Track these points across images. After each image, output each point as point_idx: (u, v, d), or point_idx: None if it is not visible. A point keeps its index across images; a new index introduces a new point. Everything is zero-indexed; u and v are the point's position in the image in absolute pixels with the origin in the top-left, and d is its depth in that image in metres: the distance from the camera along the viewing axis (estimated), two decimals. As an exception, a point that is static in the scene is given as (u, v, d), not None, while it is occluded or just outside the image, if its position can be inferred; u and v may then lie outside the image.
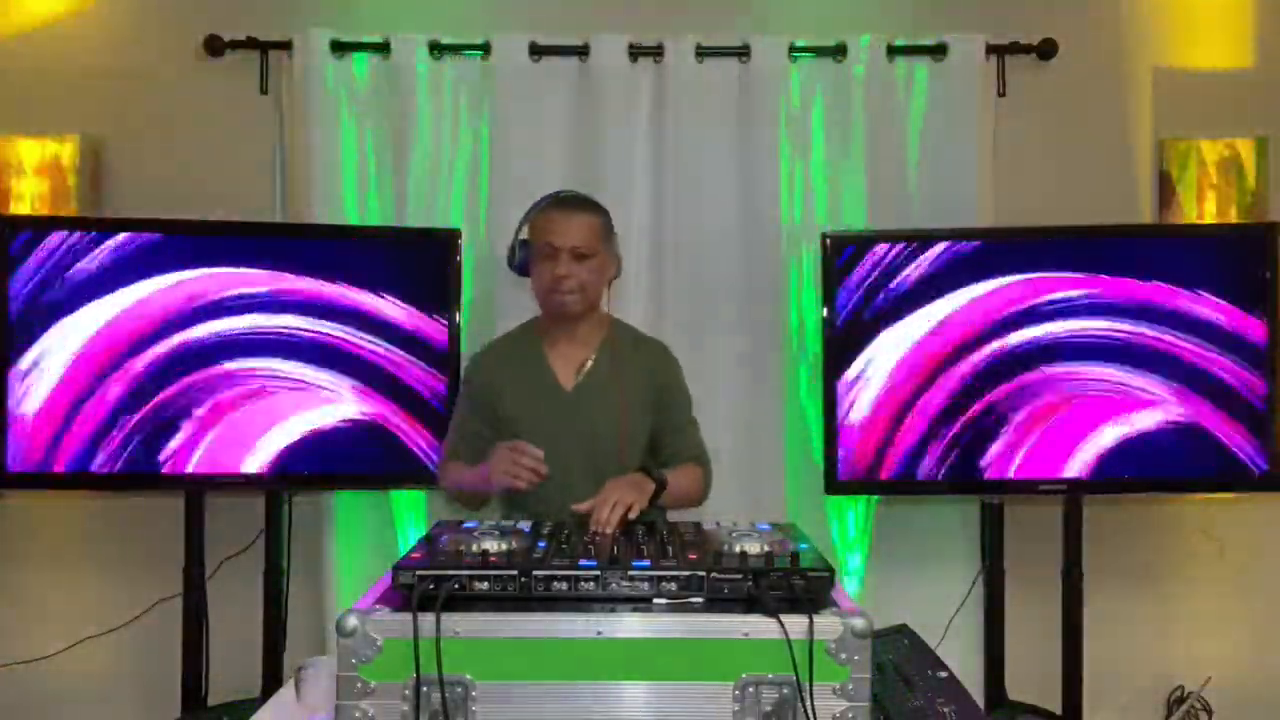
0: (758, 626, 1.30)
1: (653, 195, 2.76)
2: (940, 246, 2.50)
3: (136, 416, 2.43)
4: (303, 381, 2.47)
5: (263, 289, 2.47)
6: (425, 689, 1.28)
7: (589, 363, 2.14)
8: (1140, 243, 2.47)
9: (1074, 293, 2.47)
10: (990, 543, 2.68)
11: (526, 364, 2.16)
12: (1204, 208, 2.80)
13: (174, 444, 2.45)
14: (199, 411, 2.45)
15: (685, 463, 2.14)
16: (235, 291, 2.46)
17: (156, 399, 2.44)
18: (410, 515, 2.77)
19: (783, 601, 1.33)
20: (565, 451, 2.06)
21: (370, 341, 2.49)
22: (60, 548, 2.83)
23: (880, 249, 2.51)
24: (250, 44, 2.78)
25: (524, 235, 2.14)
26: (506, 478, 1.88)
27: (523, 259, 2.14)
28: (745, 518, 1.76)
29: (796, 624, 1.29)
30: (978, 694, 2.65)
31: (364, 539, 2.75)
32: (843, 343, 2.51)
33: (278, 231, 2.53)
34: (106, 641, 2.78)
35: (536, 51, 2.76)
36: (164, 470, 2.45)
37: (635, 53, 2.76)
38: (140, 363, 2.43)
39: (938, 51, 2.76)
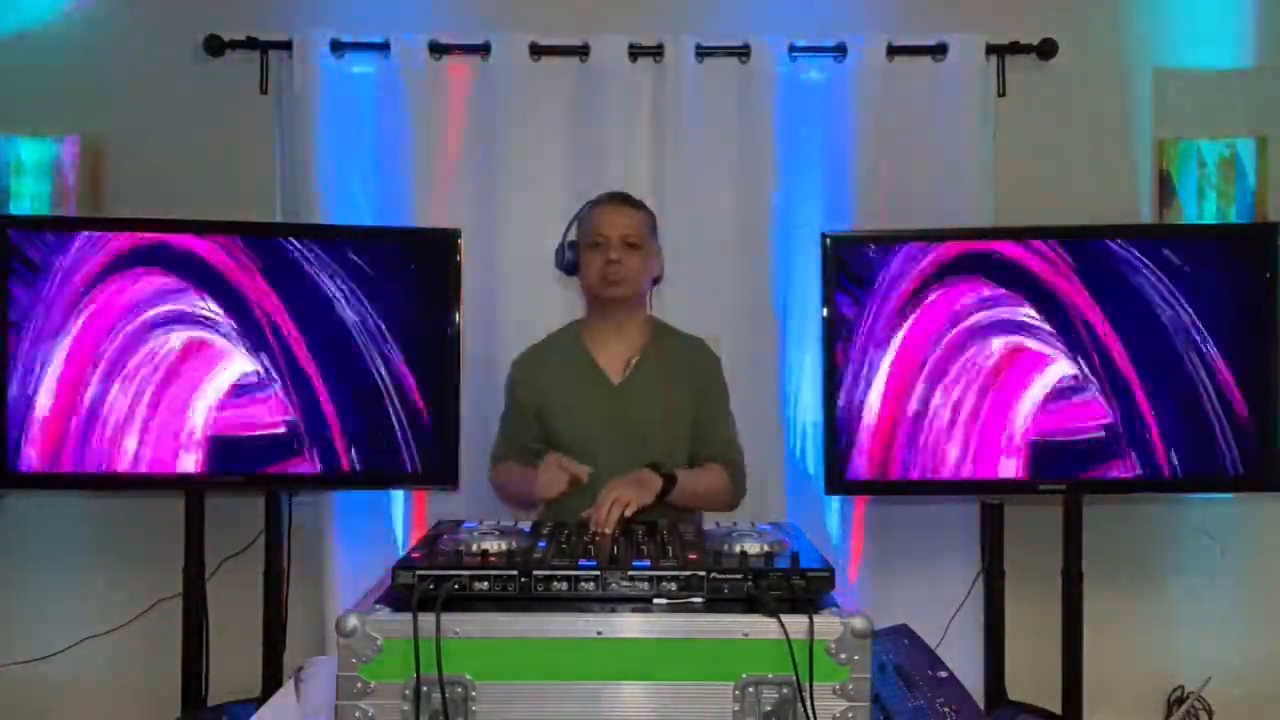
0: (758, 626, 1.30)
1: (653, 195, 2.75)
2: (940, 246, 2.49)
3: (137, 416, 2.43)
4: (303, 382, 2.47)
5: (263, 289, 2.46)
6: (425, 689, 1.28)
7: (635, 359, 2.19)
8: (1140, 243, 2.47)
9: (1075, 293, 2.47)
10: (990, 543, 2.68)
11: (573, 362, 2.21)
12: (1204, 208, 2.80)
13: (172, 446, 2.45)
14: (197, 414, 2.44)
15: (712, 461, 2.16)
16: (237, 293, 2.46)
17: (155, 399, 2.43)
18: (410, 516, 2.77)
19: (783, 601, 1.33)
20: (613, 446, 2.11)
21: (369, 342, 2.49)
22: (60, 548, 2.83)
23: (880, 249, 2.51)
24: (250, 44, 2.78)
25: (572, 236, 2.24)
26: (550, 489, 1.99)
27: (571, 259, 2.24)
28: (745, 518, 1.76)
29: (796, 624, 1.29)
30: (978, 694, 2.65)
31: (364, 539, 2.75)
32: (842, 342, 2.51)
33: (278, 231, 2.53)
34: (106, 641, 2.78)
35: (536, 51, 2.76)
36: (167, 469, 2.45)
37: (635, 53, 2.76)
38: (140, 362, 2.43)
39: (938, 51, 2.77)
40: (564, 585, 1.37)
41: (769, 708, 1.30)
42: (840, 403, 2.50)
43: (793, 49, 2.76)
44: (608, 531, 1.66)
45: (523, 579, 1.37)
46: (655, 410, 2.14)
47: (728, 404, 2.28)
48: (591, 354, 2.21)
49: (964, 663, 2.65)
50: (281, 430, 2.46)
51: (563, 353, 2.25)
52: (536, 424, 2.23)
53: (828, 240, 2.53)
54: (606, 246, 2.14)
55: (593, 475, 2.03)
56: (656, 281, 2.30)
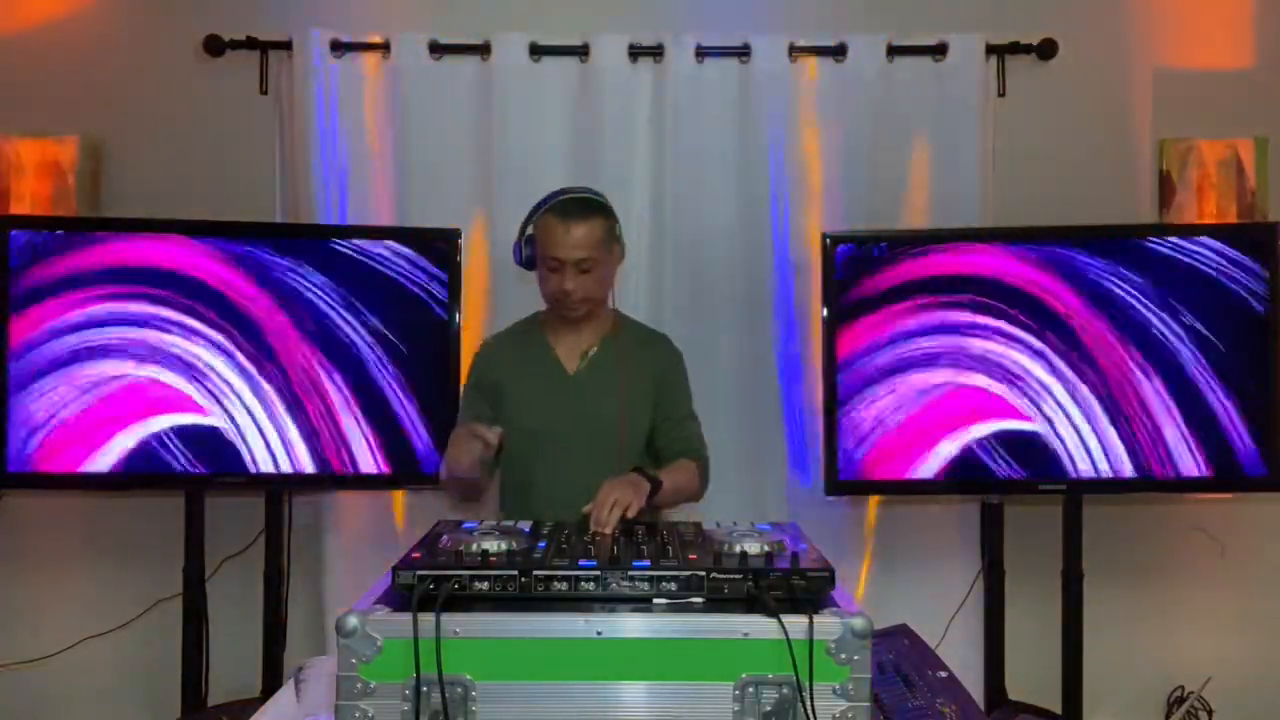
0: (758, 626, 1.30)
1: (653, 195, 2.76)
2: (940, 246, 2.49)
3: (137, 415, 2.43)
4: (303, 382, 2.47)
5: (264, 288, 2.47)
6: (425, 689, 1.28)
7: (593, 350, 2.18)
8: (1140, 243, 2.47)
9: (1074, 293, 2.47)
10: (990, 543, 2.68)
11: (531, 351, 2.20)
12: (1204, 208, 2.80)
13: (175, 445, 2.45)
14: (196, 410, 2.45)
15: (681, 456, 2.15)
16: (236, 291, 2.46)
17: (157, 398, 2.44)
18: (410, 516, 2.77)
19: (783, 601, 1.33)
20: (567, 435, 2.10)
21: (370, 342, 2.49)
22: (60, 548, 2.83)
23: (880, 249, 2.51)
24: (250, 44, 2.78)
25: (529, 232, 2.14)
26: (461, 454, 1.90)
27: (529, 256, 2.15)
28: (745, 518, 1.76)
29: (796, 624, 1.29)
30: (978, 694, 2.65)
31: (364, 539, 2.75)
32: (843, 342, 2.51)
33: (278, 232, 2.53)
34: (106, 641, 2.78)
35: (536, 51, 2.76)
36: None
37: (635, 53, 2.76)
38: (139, 361, 2.43)
39: (938, 51, 2.77)
40: (564, 585, 1.37)
41: (769, 708, 1.30)
42: (840, 403, 2.50)
43: (793, 49, 2.76)
44: (608, 531, 1.66)
45: (523, 579, 1.36)
46: (610, 401, 2.13)
47: (690, 399, 2.27)
48: (550, 343, 2.20)
49: (964, 663, 2.65)
50: (280, 430, 2.46)
51: (522, 341, 2.24)
52: (491, 411, 2.21)
53: (828, 240, 2.53)
54: (561, 271, 2.07)
55: (545, 470, 2.04)
56: (619, 262, 2.21)
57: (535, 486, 2.12)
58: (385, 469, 2.51)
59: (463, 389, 2.31)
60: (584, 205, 2.10)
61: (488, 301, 2.76)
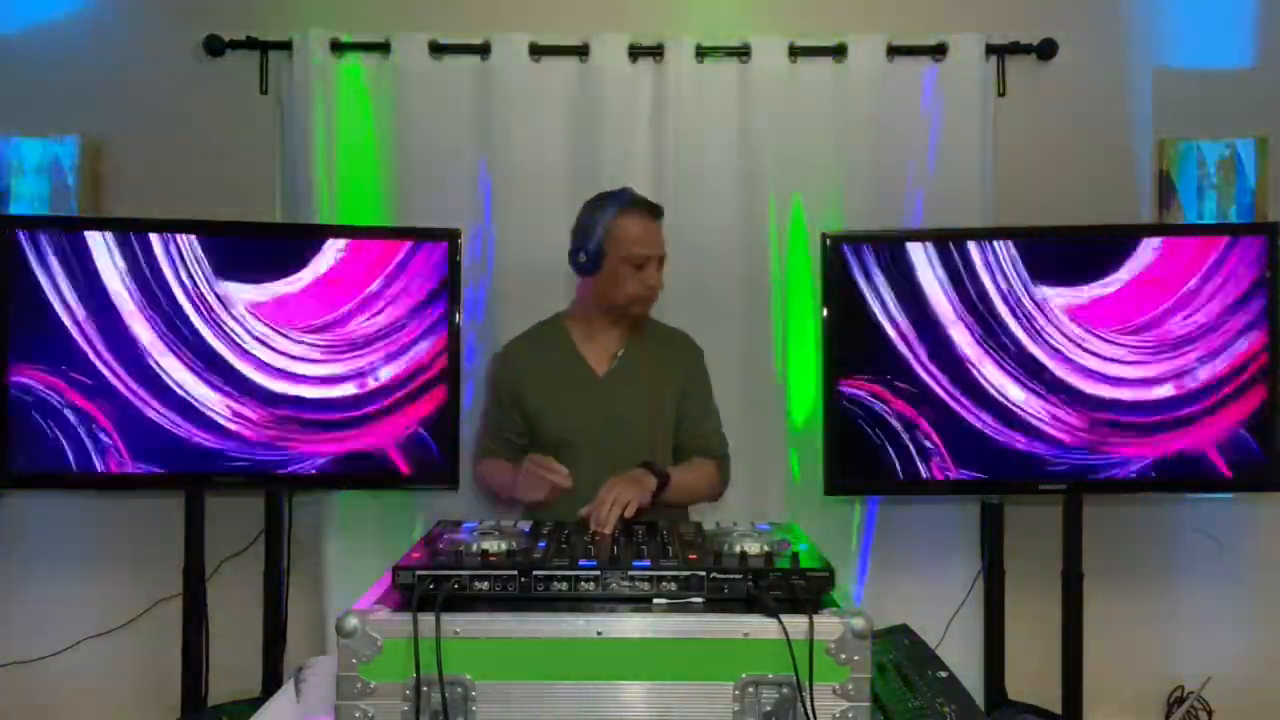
0: (758, 626, 1.31)
1: (653, 195, 2.74)
2: (940, 246, 2.49)
3: (138, 416, 2.43)
4: (303, 383, 2.47)
5: (264, 286, 2.47)
6: (425, 689, 1.28)
7: (620, 352, 2.19)
8: (1139, 243, 2.47)
9: (1075, 291, 2.47)
10: (990, 543, 2.68)
11: (557, 354, 2.21)
12: (1204, 208, 2.80)
13: (178, 445, 2.45)
14: (196, 407, 2.45)
15: (699, 455, 2.16)
16: (237, 290, 2.46)
17: (159, 398, 2.44)
18: (410, 515, 2.77)
19: (783, 601, 1.33)
20: (598, 437, 2.11)
21: (370, 342, 2.49)
22: (60, 548, 2.83)
23: (880, 249, 2.51)
24: (250, 44, 2.78)
25: (598, 238, 2.16)
26: (531, 493, 1.99)
27: (598, 258, 2.16)
28: (745, 518, 1.77)
29: (796, 624, 1.29)
30: (978, 694, 2.65)
31: (364, 539, 2.75)
32: (842, 342, 2.51)
33: (278, 232, 2.53)
34: (106, 641, 2.78)
35: (536, 51, 2.76)
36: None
37: (635, 53, 2.76)
38: (141, 362, 2.43)
39: (938, 51, 2.77)
40: (564, 585, 1.37)
41: (769, 708, 1.30)
42: (839, 402, 2.50)
43: (793, 49, 2.76)
44: (607, 531, 1.66)
45: (523, 579, 1.37)
46: (639, 402, 2.14)
47: (711, 396, 2.28)
48: (577, 346, 2.21)
49: (964, 663, 2.65)
50: (278, 430, 2.46)
51: (547, 345, 2.24)
52: (519, 417, 2.22)
53: (827, 240, 2.53)
54: (647, 268, 2.12)
55: (576, 473, 2.04)
56: None
57: (568, 498, 2.10)
58: (385, 469, 2.50)
59: (486, 400, 2.33)
60: (655, 206, 2.22)
61: (488, 302, 2.75)
